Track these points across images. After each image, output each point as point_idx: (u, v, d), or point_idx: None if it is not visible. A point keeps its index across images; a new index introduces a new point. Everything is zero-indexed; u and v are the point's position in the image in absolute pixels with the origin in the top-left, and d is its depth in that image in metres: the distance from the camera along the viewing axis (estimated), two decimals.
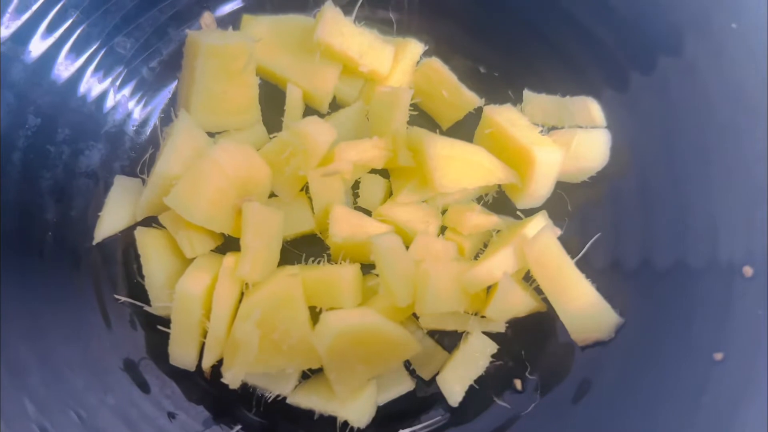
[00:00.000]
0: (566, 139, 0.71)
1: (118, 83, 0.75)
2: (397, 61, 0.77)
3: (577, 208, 0.74)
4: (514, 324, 0.71)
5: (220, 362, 0.68)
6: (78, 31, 0.71)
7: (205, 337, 0.67)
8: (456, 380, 0.68)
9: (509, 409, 0.69)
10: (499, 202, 0.76)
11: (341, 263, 0.70)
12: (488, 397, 0.70)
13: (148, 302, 0.70)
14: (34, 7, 0.68)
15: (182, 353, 0.68)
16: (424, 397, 0.72)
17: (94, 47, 0.73)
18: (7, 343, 0.62)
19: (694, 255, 0.64)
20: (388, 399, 0.70)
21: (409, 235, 0.71)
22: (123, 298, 0.71)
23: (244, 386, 0.70)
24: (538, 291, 0.68)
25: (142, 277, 0.70)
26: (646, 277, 0.67)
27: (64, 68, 0.71)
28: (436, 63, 0.77)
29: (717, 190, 0.64)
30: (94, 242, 0.71)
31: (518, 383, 0.70)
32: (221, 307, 0.66)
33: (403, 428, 0.70)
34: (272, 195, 0.74)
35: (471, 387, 0.69)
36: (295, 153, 0.69)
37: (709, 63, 0.64)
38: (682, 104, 0.67)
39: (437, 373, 0.70)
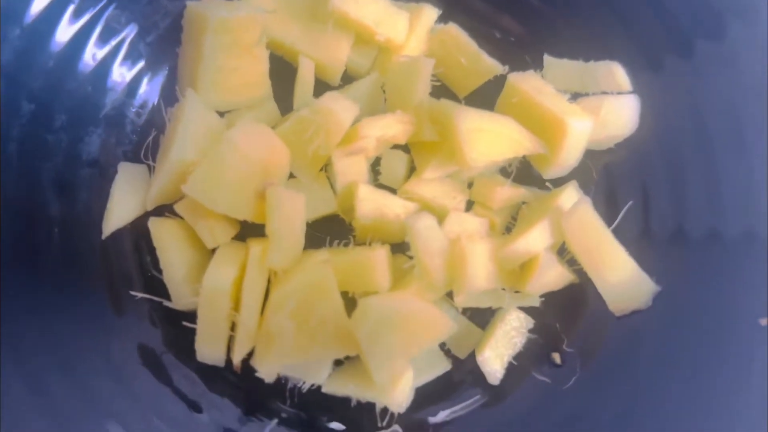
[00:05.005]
0: (594, 106, 0.69)
1: (114, 62, 0.69)
2: (412, 29, 0.73)
3: (602, 175, 0.73)
4: (546, 297, 0.70)
5: (248, 355, 0.65)
6: (71, 7, 0.64)
7: (233, 330, 0.64)
8: (496, 358, 0.67)
9: (549, 384, 0.68)
10: (521, 171, 0.74)
11: (369, 245, 0.67)
12: (527, 373, 0.69)
13: (165, 296, 0.66)
14: None
15: (211, 349, 0.64)
16: (460, 376, 0.70)
17: (86, 20, 0.66)
18: (24, 358, 0.58)
19: (727, 223, 0.64)
20: (425, 381, 0.68)
21: (437, 211, 0.68)
22: (140, 295, 0.67)
23: (276, 378, 0.66)
24: (570, 263, 0.67)
25: (158, 270, 0.66)
26: (679, 244, 0.66)
27: (55, 47, 0.64)
28: (453, 29, 0.73)
29: (750, 156, 0.63)
30: (104, 236, 0.66)
31: (557, 357, 0.69)
32: (252, 299, 0.62)
33: (442, 410, 0.69)
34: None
35: (509, 364, 0.68)
36: (318, 131, 0.65)
37: (740, 31, 0.63)
38: (711, 66, 0.66)
39: (472, 351, 0.69)
